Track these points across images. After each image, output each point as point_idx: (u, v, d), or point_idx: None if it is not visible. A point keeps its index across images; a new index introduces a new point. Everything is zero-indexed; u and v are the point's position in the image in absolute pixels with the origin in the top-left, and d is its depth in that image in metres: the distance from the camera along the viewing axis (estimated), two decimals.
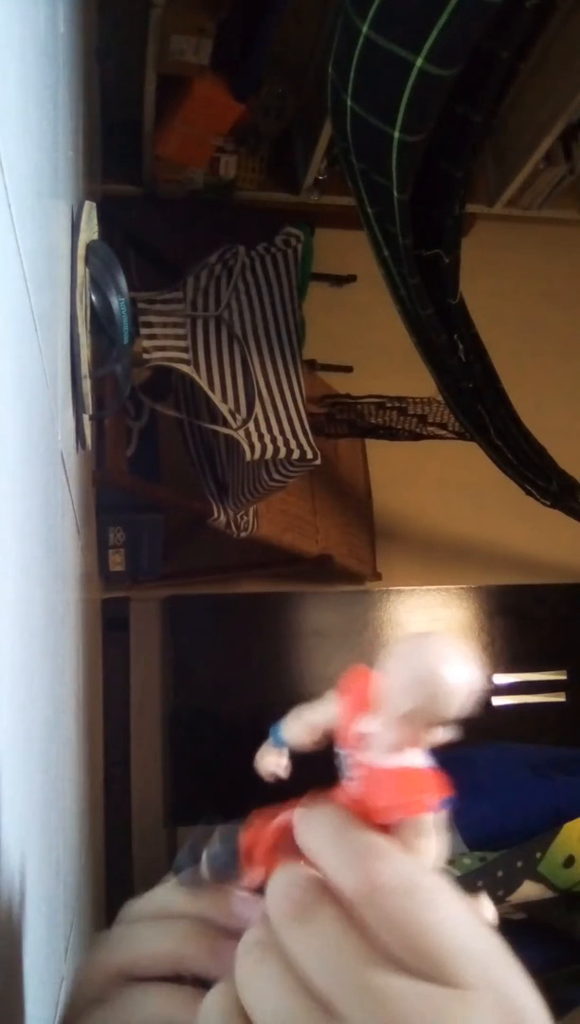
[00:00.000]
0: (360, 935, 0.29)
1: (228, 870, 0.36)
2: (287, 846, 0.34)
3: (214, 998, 0.31)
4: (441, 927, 0.29)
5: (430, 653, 0.31)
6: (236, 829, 0.37)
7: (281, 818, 0.35)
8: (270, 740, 0.39)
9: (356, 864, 0.30)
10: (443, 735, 0.32)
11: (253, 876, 0.35)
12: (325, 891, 0.31)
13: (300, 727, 0.37)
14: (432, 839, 0.33)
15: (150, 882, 0.41)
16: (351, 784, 0.33)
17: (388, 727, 0.32)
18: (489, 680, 2.72)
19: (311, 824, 0.32)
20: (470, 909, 0.31)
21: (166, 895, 0.39)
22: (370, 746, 0.33)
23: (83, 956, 0.38)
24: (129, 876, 2.35)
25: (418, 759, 0.33)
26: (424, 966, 0.28)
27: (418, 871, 0.31)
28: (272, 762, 0.39)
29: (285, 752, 0.39)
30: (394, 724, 0.32)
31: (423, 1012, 0.27)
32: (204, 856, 0.37)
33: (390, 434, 2.33)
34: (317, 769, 0.39)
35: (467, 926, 0.30)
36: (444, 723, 0.32)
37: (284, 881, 0.31)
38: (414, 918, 0.29)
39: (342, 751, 0.34)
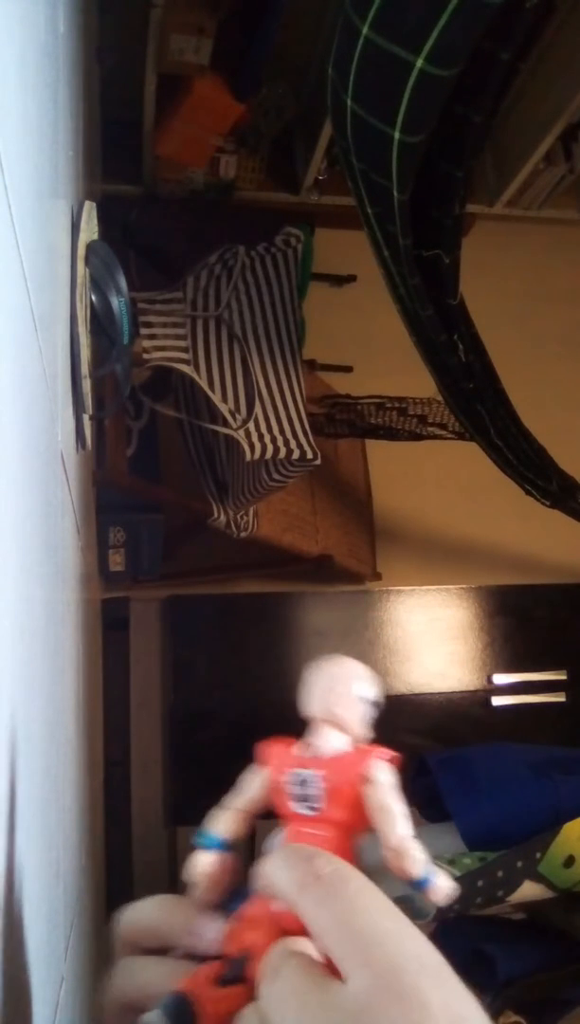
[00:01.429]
0: (315, 971, 0.32)
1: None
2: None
3: None
4: (369, 912, 0.32)
5: (341, 667, 0.42)
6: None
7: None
8: (200, 846, 0.41)
9: (297, 868, 0.34)
10: (363, 735, 0.40)
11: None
12: (296, 952, 0.33)
13: (229, 816, 0.41)
14: (400, 798, 0.38)
15: (150, 883, 0.41)
16: (311, 794, 0.38)
17: (329, 732, 0.40)
18: (489, 680, 2.72)
19: (266, 866, 0.36)
20: (388, 903, 0.34)
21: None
22: (321, 751, 0.39)
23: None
24: (129, 876, 2.35)
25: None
26: (353, 953, 0.31)
27: (348, 867, 0.34)
28: (204, 864, 0.41)
29: (217, 854, 0.41)
30: (333, 727, 0.40)
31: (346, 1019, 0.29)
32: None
33: (390, 434, 2.33)
34: None
35: (391, 914, 0.32)
36: (363, 726, 0.40)
37: (269, 955, 0.34)
38: (347, 903, 0.32)
39: (295, 775, 0.38)
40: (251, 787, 0.41)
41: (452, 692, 2.70)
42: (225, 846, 0.41)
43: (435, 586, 2.82)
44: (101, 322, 1.04)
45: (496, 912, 1.31)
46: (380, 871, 0.38)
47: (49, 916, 0.65)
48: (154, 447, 2.35)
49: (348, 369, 2.87)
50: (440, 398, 2.00)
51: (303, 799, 0.39)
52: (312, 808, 0.39)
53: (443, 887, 0.39)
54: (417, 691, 2.68)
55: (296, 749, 0.41)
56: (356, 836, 0.39)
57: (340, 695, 0.41)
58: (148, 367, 1.95)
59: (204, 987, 0.35)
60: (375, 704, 0.42)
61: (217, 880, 0.41)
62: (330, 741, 0.41)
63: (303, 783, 0.39)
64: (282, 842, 0.39)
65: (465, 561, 2.89)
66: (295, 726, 0.43)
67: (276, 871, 0.35)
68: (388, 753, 0.40)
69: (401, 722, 2.60)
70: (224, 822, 0.41)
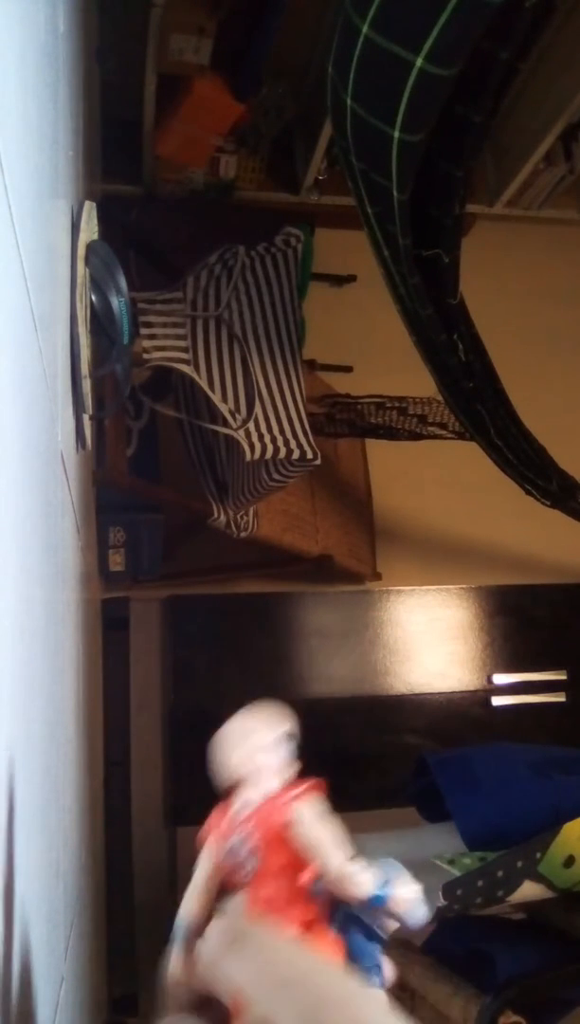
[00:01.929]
0: None
1: None
2: None
3: None
4: (278, 959, 0.34)
5: (240, 727, 0.44)
6: None
7: None
8: (173, 944, 0.43)
9: (218, 935, 0.36)
10: (287, 772, 0.41)
11: None
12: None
13: (190, 902, 0.43)
14: (328, 822, 0.41)
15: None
16: (248, 855, 0.39)
17: (249, 789, 0.41)
18: (489, 680, 2.72)
19: (200, 948, 0.38)
20: (298, 942, 0.36)
21: None
22: (246, 806, 0.41)
23: None
24: (129, 876, 2.35)
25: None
26: (276, 1000, 0.33)
27: (259, 925, 0.37)
28: (175, 962, 0.42)
29: (188, 945, 0.43)
30: (251, 783, 0.40)
31: None
32: None
33: (390, 434, 2.33)
34: None
35: (303, 955, 0.35)
36: (280, 767, 0.41)
37: None
38: (257, 956, 0.34)
39: (230, 843, 0.40)
40: (202, 868, 0.43)
41: (452, 692, 2.70)
42: (195, 933, 0.43)
43: (435, 586, 2.82)
44: (101, 322, 1.04)
45: (496, 912, 1.31)
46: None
47: (49, 916, 0.65)
48: (154, 447, 2.35)
49: (348, 369, 2.87)
50: (440, 398, 2.00)
51: (244, 862, 0.41)
52: (254, 866, 0.40)
53: (403, 897, 0.40)
54: (417, 691, 2.68)
55: (225, 819, 0.43)
56: (306, 873, 0.41)
57: (249, 752, 0.44)
58: (148, 367, 1.95)
59: None
60: (289, 736, 0.44)
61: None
62: (251, 797, 0.43)
63: (239, 848, 0.41)
64: (235, 908, 0.41)
65: (465, 561, 2.89)
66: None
67: (206, 942, 0.38)
68: (304, 786, 0.41)
69: (401, 722, 2.60)
70: (189, 911, 0.43)
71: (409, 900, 0.37)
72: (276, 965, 0.32)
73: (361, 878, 0.37)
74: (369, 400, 2.36)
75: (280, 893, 0.38)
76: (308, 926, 0.38)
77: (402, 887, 0.37)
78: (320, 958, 0.33)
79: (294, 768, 0.40)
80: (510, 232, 3.21)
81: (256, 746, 0.40)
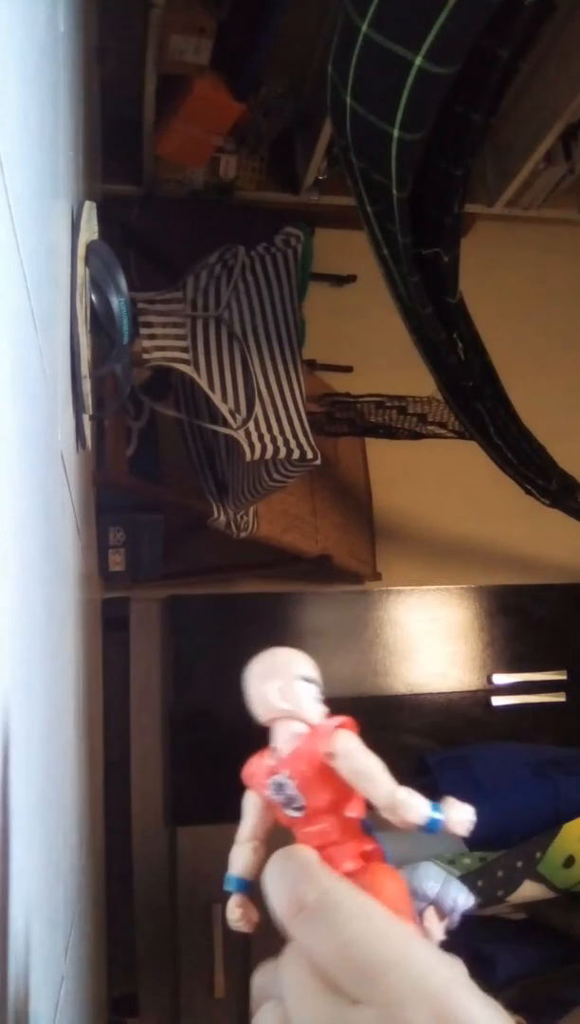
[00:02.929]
0: (315, 977, 0.32)
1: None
2: None
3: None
4: (362, 941, 0.31)
5: (269, 661, 0.43)
6: None
7: None
8: (231, 892, 0.42)
9: (286, 893, 0.33)
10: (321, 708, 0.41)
11: None
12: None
13: (242, 850, 0.41)
14: (368, 755, 0.38)
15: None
16: (291, 795, 0.38)
17: (284, 728, 0.40)
18: (489, 680, 2.72)
19: (263, 879, 0.36)
20: (389, 918, 0.33)
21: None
22: (288, 741, 0.40)
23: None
24: (129, 876, 2.35)
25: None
26: (354, 982, 0.30)
27: (336, 890, 0.34)
28: (240, 914, 0.41)
29: (246, 897, 0.41)
30: (286, 721, 0.40)
31: None
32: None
33: (389, 433, 2.33)
34: None
35: (390, 937, 0.32)
36: (316, 700, 0.41)
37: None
38: (339, 934, 0.31)
39: (271, 784, 0.39)
40: (249, 813, 0.41)
41: (452, 692, 2.70)
42: (249, 884, 0.41)
43: (435, 586, 2.81)
44: (101, 322, 1.04)
45: (496, 912, 1.31)
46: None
47: (49, 916, 0.65)
48: (154, 447, 2.35)
49: (348, 369, 2.87)
50: (440, 397, 2.00)
51: (288, 803, 0.39)
52: (299, 808, 0.39)
53: (459, 819, 0.39)
54: (417, 691, 2.68)
55: (266, 758, 0.41)
56: (354, 808, 0.39)
57: (280, 688, 0.42)
58: (148, 367, 1.95)
59: None
60: (314, 676, 0.43)
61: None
62: (286, 737, 0.41)
63: (280, 788, 0.39)
64: (297, 864, 0.39)
65: (465, 561, 2.89)
66: None
67: (269, 886, 0.35)
68: (338, 721, 0.40)
69: (401, 722, 2.59)
70: (241, 859, 0.41)
71: (464, 821, 0.37)
72: (355, 949, 0.30)
73: (413, 802, 0.36)
74: (369, 399, 2.35)
75: (333, 827, 0.37)
76: (365, 859, 0.38)
77: (456, 810, 0.36)
78: (406, 938, 0.31)
79: (324, 708, 0.39)
80: (510, 232, 3.21)
81: (293, 675, 0.39)
